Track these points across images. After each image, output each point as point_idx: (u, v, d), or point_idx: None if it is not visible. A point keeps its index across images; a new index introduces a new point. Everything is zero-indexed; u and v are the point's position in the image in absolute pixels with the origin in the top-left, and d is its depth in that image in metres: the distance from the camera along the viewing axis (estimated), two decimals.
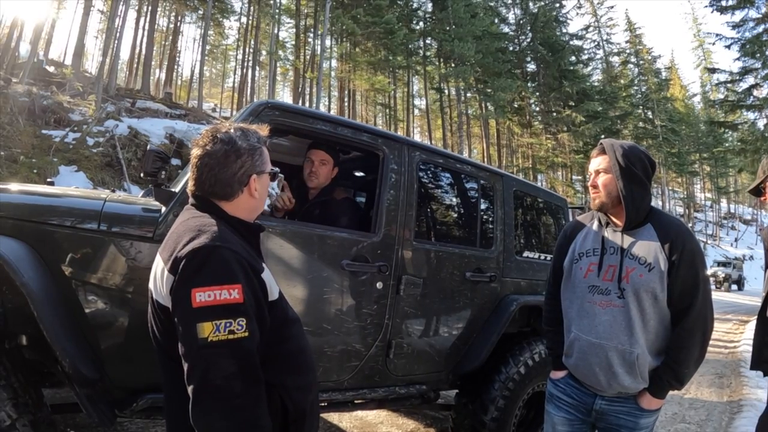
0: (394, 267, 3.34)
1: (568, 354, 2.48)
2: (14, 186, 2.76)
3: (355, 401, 3.41)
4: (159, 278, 1.67)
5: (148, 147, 2.73)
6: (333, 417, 4.86)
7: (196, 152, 1.80)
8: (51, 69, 27.26)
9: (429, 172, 3.91)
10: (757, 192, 3.10)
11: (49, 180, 3.85)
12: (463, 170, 4.04)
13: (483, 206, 4.14)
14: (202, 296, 1.49)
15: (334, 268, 3.10)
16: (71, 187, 3.60)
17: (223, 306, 1.50)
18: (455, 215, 4.25)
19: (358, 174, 4.80)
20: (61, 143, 16.04)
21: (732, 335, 13.00)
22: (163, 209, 2.66)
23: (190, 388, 1.49)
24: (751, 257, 56.83)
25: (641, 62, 58.65)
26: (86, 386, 2.38)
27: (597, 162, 2.43)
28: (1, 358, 2.34)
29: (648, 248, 2.30)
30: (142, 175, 2.80)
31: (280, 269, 2.88)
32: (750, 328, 13.13)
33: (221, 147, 1.76)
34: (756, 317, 3.03)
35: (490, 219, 4.13)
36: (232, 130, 1.82)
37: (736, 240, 64.84)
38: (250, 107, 3.02)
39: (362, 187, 4.74)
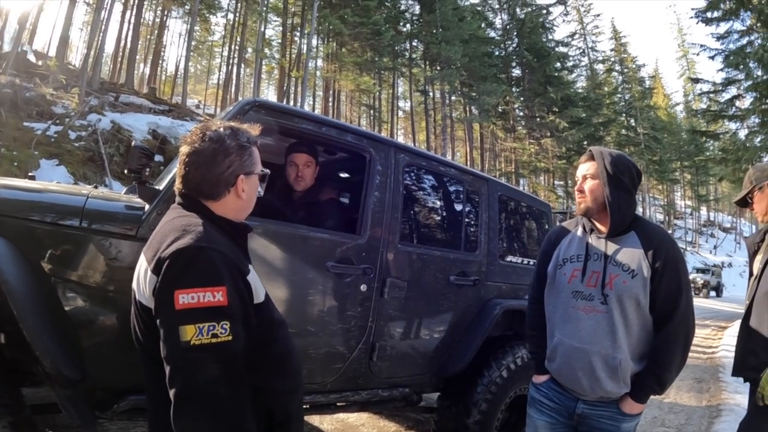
0: (378, 269, 3.33)
1: (551, 358, 2.50)
2: None
3: (338, 404, 3.39)
4: (142, 278, 1.63)
5: (133, 143, 2.68)
6: (314, 419, 4.84)
7: (184, 150, 1.76)
8: (35, 60, 26.92)
9: (415, 174, 3.91)
10: (743, 203, 3.12)
11: (30, 174, 3.79)
12: (448, 174, 4.04)
13: (468, 210, 4.14)
14: (185, 298, 1.45)
15: (318, 270, 3.08)
16: (53, 182, 3.54)
17: (206, 308, 1.46)
18: (440, 218, 4.25)
19: (343, 175, 4.78)
20: (43, 136, 15.81)
21: (711, 341, 13.10)
22: (147, 207, 2.61)
23: (172, 392, 1.45)
24: (730, 264, 57.52)
25: (626, 70, 59.09)
26: (67, 387, 2.34)
27: (585, 167, 2.47)
28: None
29: (631, 255, 2.34)
30: (126, 171, 2.76)
31: (263, 270, 2.84)
32: (729, 334, 13.26)
33: (210, 145, 1.72)
34: (735, 323, 3.08)
35: (475, 223, 4.13)
36: (222, 129, 1.77)
37: (715, 247, 65.54)
38: (237, 105, 2.99)
39: (347, 188, 4.72)
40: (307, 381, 3.09)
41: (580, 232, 2.56)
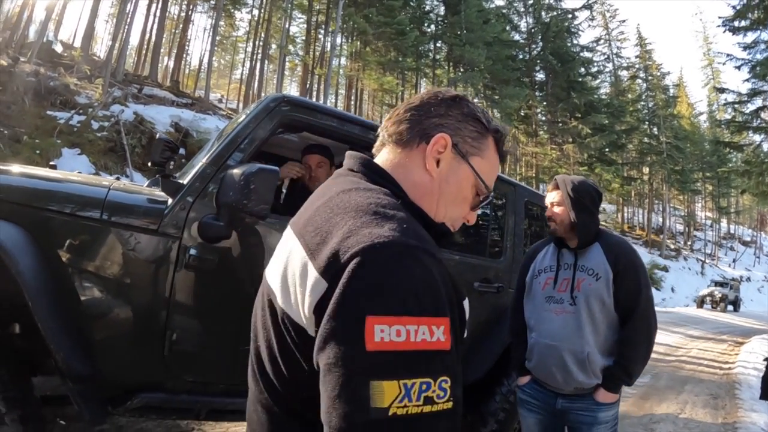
0: None
1: (529, 358, 2.81)
2: (15, 168, 2.67)
3: None
4: (295, 276, 0.96)
5: (158, 135, 2.64)
6: None
7: (409, 104, 1.21)
8: (60, 50, 27.17)
9: None
10: None
11: (51, 163, 3.77)
12: None
13: (494, 216, 4.06)
14: (386, 333, 0.79)
15: None
16: (74, 171, 3.51)
17: (420, 354, 0.81)
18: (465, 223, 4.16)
19: None
20: (66, 125, 15.95)
21: (727, 356, 12.90)
22: (170, 201, 2.56)
23: None
24: (749, 279, 56.78)
25: (650, 77, 58.44)
26: (79, 382, 2.29)
27: (552, 196, 2.86)
28: None
29: (596, 262, 2.68)
30: (149, 164, 2.72)
31: None
32: (746, 350, 13.06)
33: (440, 99, 1.20)
34: (752, 339, 3.04)
35: (500, 229, 4.05)
36: (467, 97, 1.25)
37: (734, 261, 64.70)
38: (265, 100, 2.95)
39: None
40: None
41: (552, 247, 2.93)
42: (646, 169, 56.29)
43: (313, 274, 0.90)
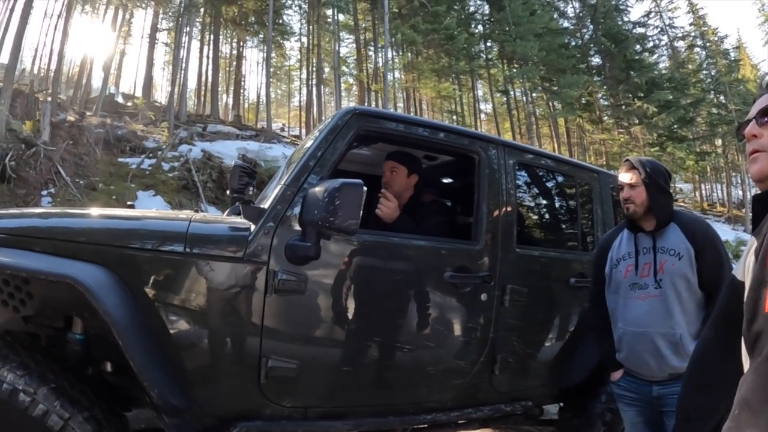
0: (498, 276, 3.13)
1: (619, 349, 2.83)
2: (95, 211, 2.70)
3: (459, 422, 3.18)
4: None
5: (234, 163, 2.61)
6: None
7: None
8: (123, 101, 28.36)
9: (526, 173, 3.70)
10: None
11: (129, 203, 3.82)
12: (559, 169, 3.82)
13: (582, 207, 3.90)
14: None
15: (436, 281, 2.92)
16: (152, 209, 3.54)
17: None
18: (555, 218, 4.04)
19: (448, 180, 4.61)
20: (138, 169, 16.57)
21: None
22: (252, 227, 2.52)
23: None
24: None
25: (708, 44, 55.86)
26: (176, 416, 2.28)
27: (627, 177, 2.84)
28: (83, 388, 2.24)
29: (676, 241, 2.71)
30: (228, 192, 2.69)
31: (380, 283, 2.80)
32: None
33: None
34: None
35: (589, 220, 3.88)
36: None
37: None
38: (337, 115, 2.87)
39: (448, 193, 4.54)
40: (427, 399, 2.97)
41: (626, 233, 2.94)
42: (718, 141, 54.00)
43: None
